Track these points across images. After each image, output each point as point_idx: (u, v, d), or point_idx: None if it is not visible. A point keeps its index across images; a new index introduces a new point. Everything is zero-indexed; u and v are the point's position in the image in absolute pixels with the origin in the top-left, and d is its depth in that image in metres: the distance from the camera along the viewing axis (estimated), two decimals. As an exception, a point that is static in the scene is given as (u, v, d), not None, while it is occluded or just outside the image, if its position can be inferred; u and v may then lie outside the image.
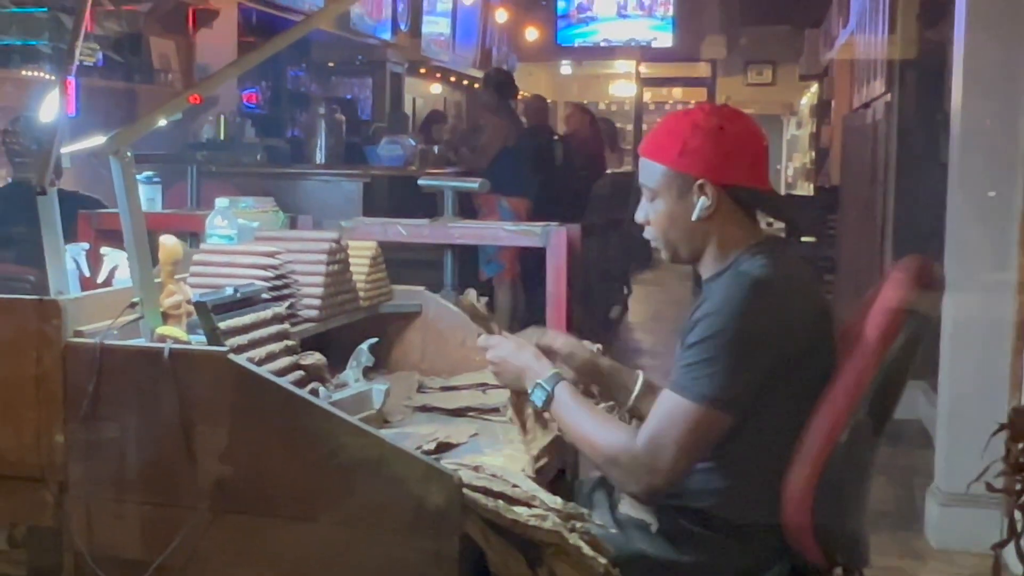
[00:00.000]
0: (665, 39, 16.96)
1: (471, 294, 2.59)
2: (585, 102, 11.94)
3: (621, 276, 9.68)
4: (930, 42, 6.04)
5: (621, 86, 19.34)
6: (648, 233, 2.34)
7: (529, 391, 2.35)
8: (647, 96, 18.71)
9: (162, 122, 2.78)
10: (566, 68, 19.13)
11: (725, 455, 2.20)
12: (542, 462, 2.38)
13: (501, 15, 15.23)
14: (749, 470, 2.21)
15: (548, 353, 2.48)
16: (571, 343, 2.59)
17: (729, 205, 2.25)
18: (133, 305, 2.29)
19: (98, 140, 2.24)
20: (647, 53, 17.38)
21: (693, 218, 2.25)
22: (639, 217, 2.34)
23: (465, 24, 14.02)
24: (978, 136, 4.07)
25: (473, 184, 3.92)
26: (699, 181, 2.23)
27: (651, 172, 2.29)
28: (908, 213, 6.10)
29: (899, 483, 5.05)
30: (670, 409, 2.14)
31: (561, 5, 17.27)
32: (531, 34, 16.52)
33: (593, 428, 2.24)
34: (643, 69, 18.42)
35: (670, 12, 16.89)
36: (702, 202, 2.23)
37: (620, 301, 9.88)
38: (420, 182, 3.98)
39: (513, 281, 7.48)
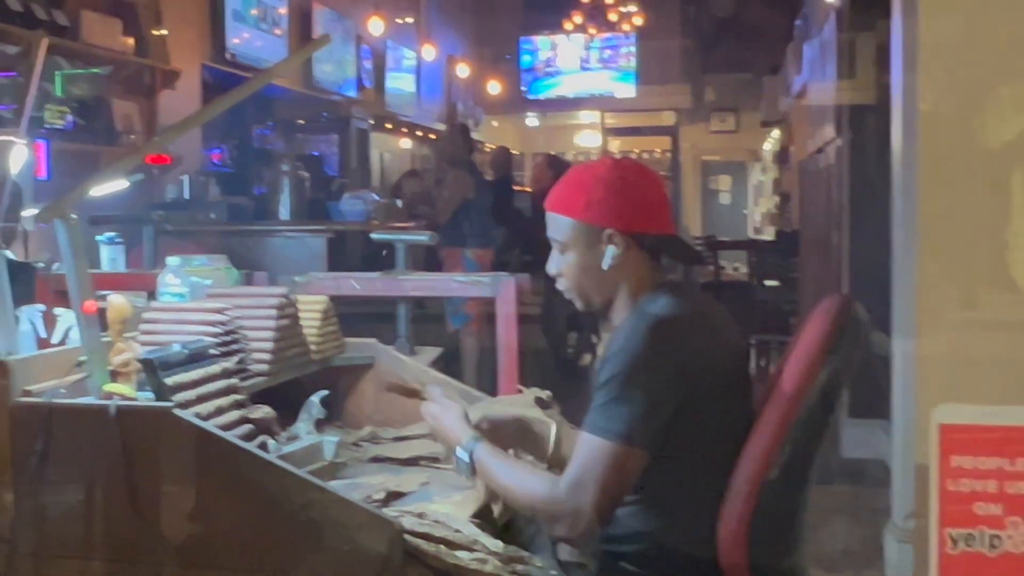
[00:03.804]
0: (628, 90, 17.21)
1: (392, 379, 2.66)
2: (552, 153, 12.03)
3: (590, 324, 9.73)
4: (883, 86, 6.16)
5: (587, 136, 19.54)
6: (561, 284, 2.42)
7: (456, 467, 2.40)
8: (613, 146, 18.91)
9: (123, 182, 2.83)
10: (532, 120, 19.32)
11: (655, 495, 2.25)
12: (497, 509, 2.42)
13: (465, 70, 15.39)
14: (680, 509, 2.26)
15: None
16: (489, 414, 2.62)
17: (636, 252, 2.33)
18: (81, 364, 2.33)
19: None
20: (612, 103, 17.62)
21: (604, 267, 2.33)
22: (550, 269, 2.42)
23: (429, 79, 14.16)
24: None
25: (424, 237, 3.99)
26: (607, 231, 2.32)
27: (560, 226, 2.37)
28: (863, 254, 6.18)
29: (863, 522, 5.09)
30: (588, 450, 2.18)
31: (526, 59, 17.52)
32: (496, 87, 16.69)
33: (516, 481, 2.29)
34: (608, 119, 18.65)
35: (632, 64, 17.13)
36: (611, 251, 2.32)
37: (590, 349, 9.94)
38: (373, 235, 4.06)
39: (480, 332, 7.53)
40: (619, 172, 2.36)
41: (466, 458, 2.35)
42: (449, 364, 5.78)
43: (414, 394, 2.61)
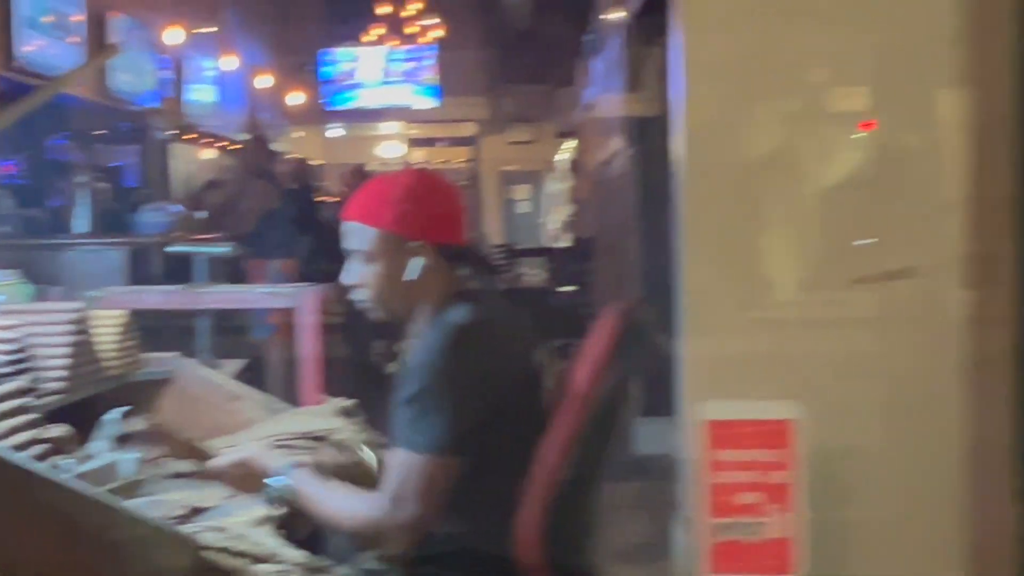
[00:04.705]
0: (429, 101, 17.38)
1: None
2: (357, 164, 12.01)
3: (394, 332, 9.77)
4: (666, 99, 6.37)
5: (389, 147, 19.58)
6: (360, 294, 2.45)
7: (267, 498, 2.41)
8: (415, 156, 19.02)
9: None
10: (335, 131, 19.25)
11: (456, 500, 2.31)
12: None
13: (266, 80, 15.23)
14: (480, 513, 2.33)
15: None
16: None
17: (439, 262, 2.40)
18: None
19: None
20: (413, 115, 17.75)
21: (410, 277, 2.38)
22: (348, 280, 2.45)
23: (231, 90, 13.97)
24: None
25: (222, 248, 3.98)
26: (412, 242, 2.37)
27: (364, 236, 2.40)
28: (652, 259, 6.37)
29: (656, 515, 5.25)
30: (403, 465, 2.26)
31: (327, 70, 17.50)
32: (298, 98, 16.57)
33: (337, 506, 2.34)
34: (410, 130, 18.76)
35: (432, 76, 17.32)
36: (417, 261, 2.38)
37: (394, 357, 9.97)
38: (168, 249, 4.02)
39: (285, 342, 7.47)
40: (424, 183, 2.42)
41: (283, 484, 2.37)
42: (255, 375, 5.75)
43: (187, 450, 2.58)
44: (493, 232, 18.57)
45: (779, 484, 1.25)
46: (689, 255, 1.31)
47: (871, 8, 1.33)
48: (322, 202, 8.61)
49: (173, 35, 11.61)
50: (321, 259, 8.14)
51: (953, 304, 1.27)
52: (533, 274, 12.17)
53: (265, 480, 2.40)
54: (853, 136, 1.34)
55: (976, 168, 1.29)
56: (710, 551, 1.23)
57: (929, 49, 1.30)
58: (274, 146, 8.36)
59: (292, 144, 16.69)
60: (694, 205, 1.28)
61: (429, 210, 2.39)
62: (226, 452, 2.53)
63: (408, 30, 17.00)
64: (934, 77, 1.30)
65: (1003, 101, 1.29)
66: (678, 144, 4.50)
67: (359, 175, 9.83)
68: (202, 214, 8.71)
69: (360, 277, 2.43)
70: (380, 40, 17.12)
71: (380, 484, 2.33)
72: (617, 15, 7.74)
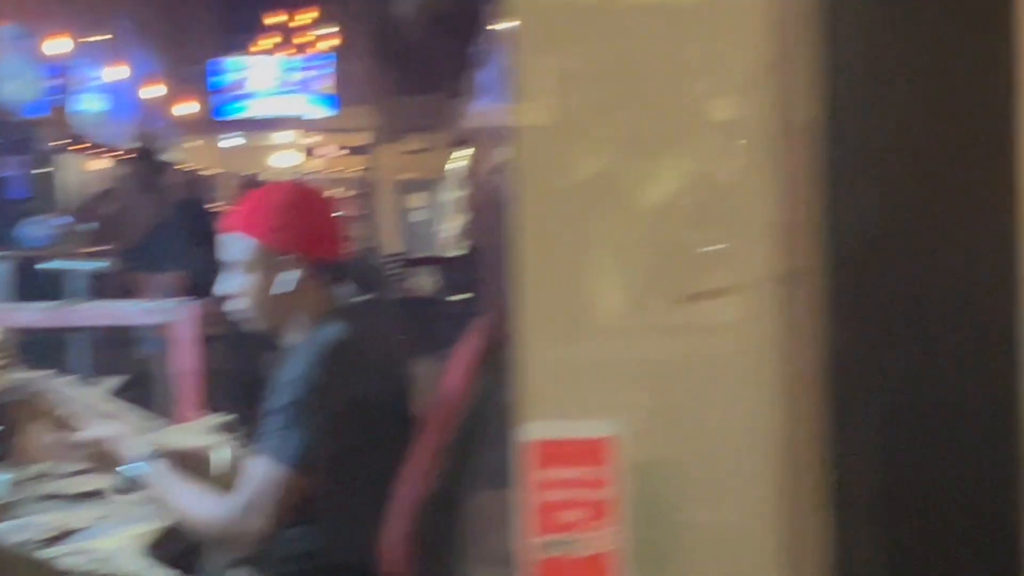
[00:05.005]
0: (324, 111, 17.39)
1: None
2: (249, 174, 11.99)
3: (276, 345, 9.72)
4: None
5: (284, 157, 19.50)
6: (234, 305, 2.43)
7: (123, 474, 2.40)
8: (310, 165, 18.98)
9: None
10: (229, 141, 19.12)
11: (323, 516, 2.34)
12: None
13: (157, 90, 15.10)
14: (348, 529, 2.35)
15: None
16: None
17: (314, 276, 2.40)
18: None
19: None
20: (308, 124, 17.75)
21: (283, 290, 2.37)
22: (223, 290, 2.44)
23: (121, 99, 13.83)
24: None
25: (98, 264, 3.95)
26: (289, 255, 2.37)
27: (242, 246, 2.39)
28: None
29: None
30: (261, 474, 2.27)
31: (220, 80, 17.40)
32: (190, 108, 16.45)
33: (190, 503, 2.34)
34: (305, 139, 18.73)
35: (327, 85, 17.33)
36: (292, 275, 2.37)
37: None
38: (39, 266, 3.96)
39: (169, 358, 7.40)
40: (301, 196, 2.46)
41: (139, 470, 2.35)
42: (138, 391, 5.70)
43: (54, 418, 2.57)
44: (388, 241, 18.58)
45: (600, 500, 1.31)
46: (522, 273, 1.36)
47: (693, 28, 1.40)
48: (214, 214, 8.53)
49: (62, 44, 11.48)
50: (212, 272, 8.10)
51: (769, 320, 1.35)
52: (428, 283, 12.21)
53: (119, 467, 2.38)
54: (679, 156, 1.41)
55: (787, 187, 1.37)
56: (534, 568, 1.29)
57: (744, 72, 1.37)
58: (165, 157, 8.27)
59: (185, 154, 16.56)
60: (528, 220, 1.34)
61: (305, 224, 2.40)
62: (93, 427, 2.49)
63: (303, 40, 16.98)
64: (752, 100, 1.37)
65: (808, 122, 1.38)
66: (512, 157, 4.61)
67: (251, 186, 9.80)
68: (92, 226, 8.60)
69: (237, 287, 2.42)
70: (274, 49, 17.09)
71: (235, 487, 2.34)
72: (506, 25, 7.81)
